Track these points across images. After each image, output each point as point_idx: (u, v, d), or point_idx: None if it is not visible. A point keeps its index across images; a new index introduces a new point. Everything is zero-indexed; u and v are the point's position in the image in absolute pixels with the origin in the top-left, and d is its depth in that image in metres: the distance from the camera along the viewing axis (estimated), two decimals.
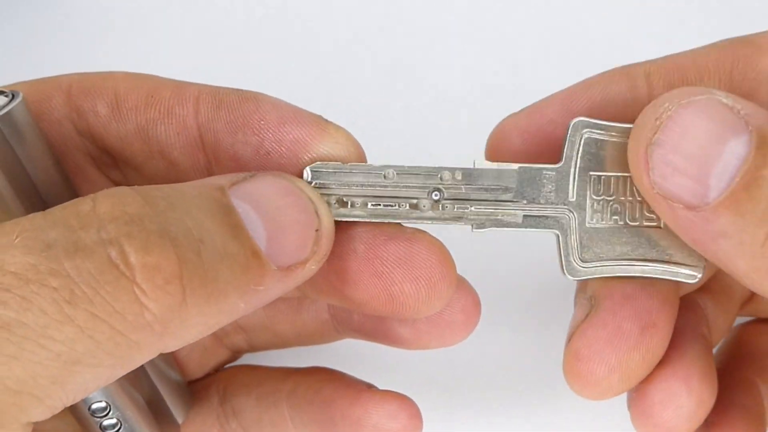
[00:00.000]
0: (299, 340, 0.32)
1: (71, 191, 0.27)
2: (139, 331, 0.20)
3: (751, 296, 0.31)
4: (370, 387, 0.29)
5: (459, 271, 0.26)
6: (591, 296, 0.26)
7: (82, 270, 0.19)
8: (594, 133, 0.25)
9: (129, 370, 0.21)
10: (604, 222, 0.25)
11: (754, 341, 0.32)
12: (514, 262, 0.38)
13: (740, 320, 0.33)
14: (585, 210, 0.25)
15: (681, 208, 0.22)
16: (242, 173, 0.24)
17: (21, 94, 0.25)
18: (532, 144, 0.26)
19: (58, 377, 0.19)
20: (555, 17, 0.44)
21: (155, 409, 0.28)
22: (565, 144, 0.25)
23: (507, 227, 0.25)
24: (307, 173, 0.25)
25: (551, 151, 0.26)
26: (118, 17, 0.46)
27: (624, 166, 0.25)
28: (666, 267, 0.25)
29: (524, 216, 0.25)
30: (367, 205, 0.25)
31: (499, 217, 0.25)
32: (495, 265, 0.38)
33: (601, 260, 0.25)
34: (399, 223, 0.26)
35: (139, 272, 0.19)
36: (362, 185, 0.25)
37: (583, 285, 0.27)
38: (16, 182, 0.24)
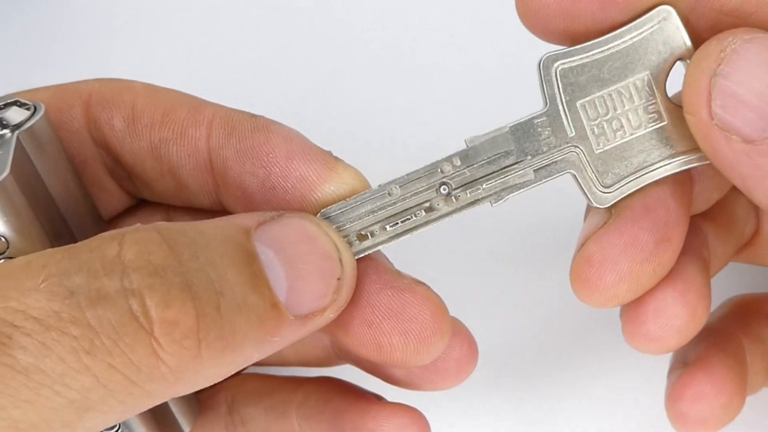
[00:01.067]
0: (301, 363, 0.32)
1: (89, 204, 0.27)
2: (153, 382, 0.20)
3: (751, 240, 0.31)
4: (380, 399, 0.29)
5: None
6: (620, 203, 0.26)
7: (103, 320, 0.19)
8: (565, 63, 0.25)
9: (137, 413, 0.21)
10: (610, 142, 0.25)
11: (744, 307, 0.32)
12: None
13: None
14: (588, 139, 0.25)
15: (738, 140, 0.22)
16: (269, 212, 0.23)
17: (43, 108, 0.25)
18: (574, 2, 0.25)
19: (69, 422, 0.19)
20: None
21: (160, 417, 0.28)
22: (542, 86, 0.25)
23: (523, 188, 0.25)
24: None
25: (592, 14, 0.25)
26: (119, 16, 0.46)
27: (604, 80, 0.25)
28: (683, 158, 0.25)
29: (534, 171, 0.25)
30: (386, 228, 0.25)
31: (512, 183, 0.25)
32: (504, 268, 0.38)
33: (623, 178, 0.25)
34: (398, 271, 0.26)
35: (157, 326, 0.20)
36: (373, 212, 0.25)
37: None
38: (35, 197, 0.24)
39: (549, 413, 0.36)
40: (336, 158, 0.25)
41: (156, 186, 0.27)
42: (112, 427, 0.26)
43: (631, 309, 0.26)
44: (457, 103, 0.42)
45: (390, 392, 0.30)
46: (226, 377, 0.22)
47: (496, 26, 0.43)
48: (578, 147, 0.25)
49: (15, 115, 0.24)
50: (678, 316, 0.26)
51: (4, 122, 0.24)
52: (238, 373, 0.33)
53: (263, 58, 0.44)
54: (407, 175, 0.25)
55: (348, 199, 0.25)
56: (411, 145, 0.42)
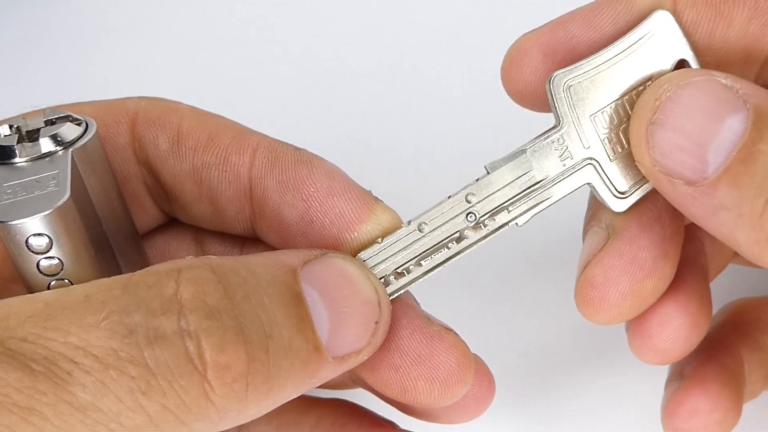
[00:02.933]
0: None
1: (129, 220, 0.27)
2: (200, 422, 0.20)
3: None
4: (394, 427, 0.30)
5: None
6: (607, 225, 0.27)
7: (160, 361, 0.20)
8: (572, 79, 0.26)
9: None
10: (622, 150, 0.26)
11: (741, 313, 0.33)
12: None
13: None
14: (602, 150, 0.26)
15: (681, 184, 0.23)
16: (314, 250, 0.24)
17: (95, 125, 0.25)
18: (553, 60, 0.26)
19: None
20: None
21: None
22: (553, 104, 0.26)
23: (546, 205, 0.26)
24: None
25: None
26: (118, 16, 0.46)
27: (611, 91, 0.26)
28: None
29: (555, 186, 0.26)
30: (420, 264, 0.25)
31: (535, 203, 0.26)
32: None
33: (638, 182, 0.26)
34: (428, 316, 0.26)
35: (211, 369, 0.20)
36: (406, 249, 0.25)
37: (596, 214, 0.28)
38: (86, 217, 0.24)
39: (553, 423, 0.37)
40: (375, 198, 0.26)
41: (192, 208, 0.28)
42: None
43: (636, 324, 0.27)
44: (464, 107, 0.43)
45: (401, 417, 0.30)
46: (262, 414, 0.23)
47: (503, 30, 0.44)
48: (593, 159, 0.26)
49: (69, 131, 0.24)
50: (682, 327, 0.27)
51: (59, 138, 0.24)
52: None
53: (267, 59, 0.44)
54: (434, 208, 0.25)
55: (382, 240, 0.25)
56: (419, 158, 0.42)
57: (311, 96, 0.44)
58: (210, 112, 0.28)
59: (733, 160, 0.22)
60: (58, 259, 0.23)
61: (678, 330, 0.27)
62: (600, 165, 0.26)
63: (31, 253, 0.22)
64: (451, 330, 0.26)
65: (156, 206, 0.29)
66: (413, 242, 0.25)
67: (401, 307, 0.26)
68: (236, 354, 0.20)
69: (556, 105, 0.26)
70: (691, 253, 0.29)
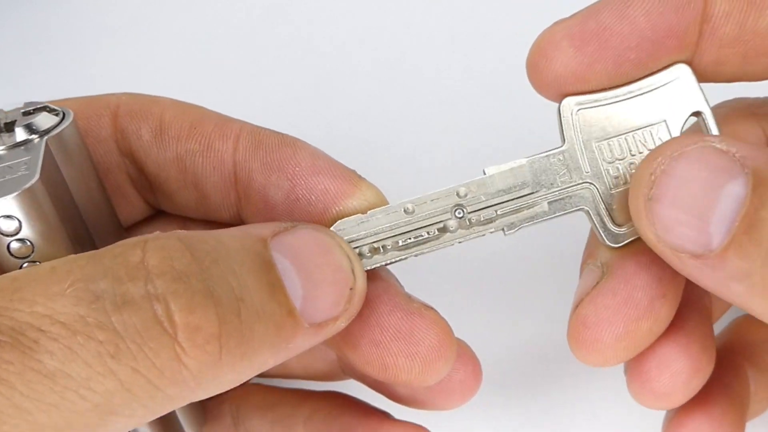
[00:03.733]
0: (307, 376, 0.32)
1: (110, 211, 0.27)
2: (175, 386, 0.20)
3: None
4: (388, 416, 0.30)
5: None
6: (603, 264, 0.26)
7: (128, 324, 0.19)
8: (584, 106, 0.25)
9: (156, 417, 0.21)
10: (624, 183, 0.26)
11: (748, 332, 0.32)
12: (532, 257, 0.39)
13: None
14: (603, 177, 0.26)
15: (687, 257, 0.22)
16: (284, 223, 0.24)
17: (72, 114, 0.25)
18: (584, 52, 0.25)
19: (91, 425, 0.20)
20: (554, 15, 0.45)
21: (168, 424, 0.29)
22: (561, 125, 0.26)
23: (536, 219, 0.25)
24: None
25: (606, 60, 0.25)
26: (118, 16, 0.46)
27: (621, 125, 0.25)
28: None
29: (549, 203, 0.25)
30: (398, 243, 0.25)
31: (525, 213, 0.25)
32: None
33: None
34: (409, 294, 0.26)
35: (181, 331, 0.20)
36: (387, 227, 0.25)
37: (593, 252, 0.27)
38: (61, 203, 0.24)
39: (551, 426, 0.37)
40: (360, 176, 0.26)
41: (177, 197, 0.28)
42: None
43: (635, 366, 0.26)
44: (464, 106, 0.43)
45: (395, 409, 0.30)
46: (240, 383, 0.22)
47: (508, 32, 0.44)
48: (593, 184, 0.26)
49: (44, 120, 0.24)
50: (682, 372, 0.26)
51: (34, 127, 0.24)
52: (242, 384, 0.33)
53: (265, 59, 0.44)
54: (425, 195, 0.25)
55: (366, 213, 0.25)
56: (417, 160, 0.42)
57: (311, 96, 0.44)
58: (191, 103, 0.28)
59: (737, 231, 0.21)
60: (29, 242, 0.23)
61: (678, 373, 0.26)
62: (599, 193, 0.26)
63: (1, 235, 0.22)
64: (432, 308, 0.26)
65: (141, 198, 0.29)
66: (395, 222, 0.25)
67: (382, 285, 0.26)
68: (206, 315, 0.20)
69: (563, 126, 0.26)
70: (695, 293, 0.28)
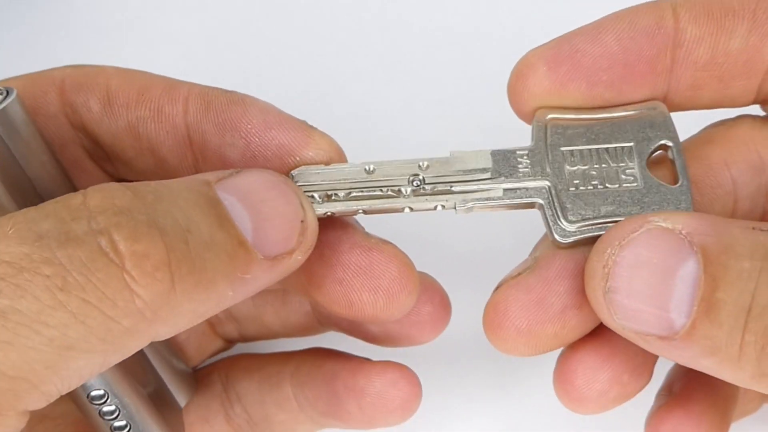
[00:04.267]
0: (286, 332, 0.32)
1: (69, 185, 0.27)
2: (131, 317, 0.20)
3: None
4: (368, 360, 0.30)
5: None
6: (536, 257, 0.26)
7: (74, 258, 0.20)
8: (557, 118, 0.26)
9: (123, 357, 0.21)
10: (583, 188, 0.26)
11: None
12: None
13: None
14: (563, 179, 0.26)
15: (654, 339, 0.23)
16: (228, 170, 0.24)
17: (15, 91, 0.25)
18: (557, 72, 0.26)
19: (51, 363, 0.20)
20: (554, 15, 0.45)
21: (156, 395, 0.29)
22: (533, 129, 0.26)
23: (489, 202, 0.26)
24: (291, 177, 0.25)
25: (578, 80, 0.26)
26: (118, 14, 0.47)
27: (590, 139, 0.26)
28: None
29: (504, 189, 0.26)
30: (349, 194, 0.26)
31: (479, 194, 0.26)
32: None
33: (588, 220, 0.25)
34: (366, 232, 0.26)
35: (128, 260, 0.20)
36: (345, 180, 0.26)
37: (539, 243, 0.27)
38: (10, 179, 0.24)
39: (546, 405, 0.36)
40: (311, 126, 0.26)
41: (136, 165, 0.28)
42: (112, 412, 0.26)
43: (559, 364, 0.27)
44: (453, 104, 0.43)
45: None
46: (205, 317, 0.22)
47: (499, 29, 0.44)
48: (550, 182, 0.26)
49: None
50: (599, 381, 0.26)
51: None
52: (230, 354, 0.33)
53: (264, 58, 0.45)
54: (388, 160, 0.26)
55: (328, 164, 0.25)
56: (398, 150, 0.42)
57: (312, 95, 0.44)
58: (137, 70, 0.28)
59: (697, 315, 0.22)
60: None
61: (593, 381, 0.26)
62: (555, 190, 0.26)
63: None
64: (390, 243, 0.26)
65: (100, 169, 0.29)
66: (354, 177, 0.26)
67: (341, 226, 0.26)
68: (153, 243, 0.20)
69: (534, 128, 0.26)
70: None
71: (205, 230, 0.21)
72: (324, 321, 0.32)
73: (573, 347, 0.26)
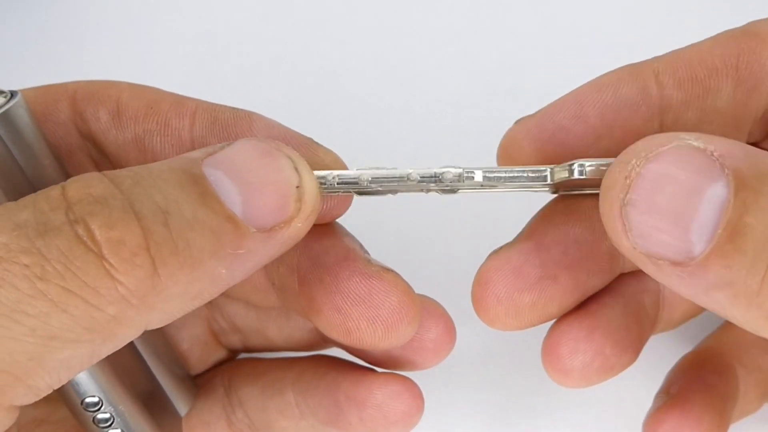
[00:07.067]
0: (289, 346, 0.32)
1: None
2: (115, 305, 0.20)
3: None
4: (372, 370, 0.30)
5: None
6: (524, 232, 0.27)
7: (52, 247, 0.20)
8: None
9: (115, 347, 0.21)
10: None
11: (738, 333, 0.31)
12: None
13: None
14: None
15: (667, 265, 0.21)
16: (219, 144, 0.23)
17: (20, 94, 0.26)
18: (543, 152, 0.26)
19: (35, 354, 0.20)
20: (554, 16, 0.45)
21: (155, 402, 0.28)
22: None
23: (500, 172, 0.24)
24: None
25: (564, 157, 0.25)
26: (117, 15, 0.47)
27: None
28: None
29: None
30: (355, 168, 0.25)
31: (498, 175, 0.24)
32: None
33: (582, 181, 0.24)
34: (368, 259, 0.26)
35: (105, 247, 0.20)
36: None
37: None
38: (10, 181, 0.25)
39: (547, 411, 0.36)
40: (317, 143, 0.26)
41: None
42: (106, 420, 0.26)
43: (547, 338, 0.27)
44: (464, 109, 0.43)
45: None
46: (201, 299, 0.22)
47: (500, 29, 0.44)
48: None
49: None
50: (581, 352, 0.26)
51: None
52: (233, 359, 0.33)
53: (262, 59, 0.45)
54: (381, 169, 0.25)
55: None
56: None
57: (312, 95, 0.44)
58: (147, 85, 0.28)
59: (720, 238, 0.20)
60: None
61: (575, 353, 0.27)
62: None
63: None
64: (391, 270, 0.26)
65: None
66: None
67: (342, 251, 0.26)
68: (128, 228, 0.20)
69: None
70: (631, 290, 0.28)
71: (186, 210, 0.21)
72: (327, 339, 0.31)
73: (558, 321, 0.27)
